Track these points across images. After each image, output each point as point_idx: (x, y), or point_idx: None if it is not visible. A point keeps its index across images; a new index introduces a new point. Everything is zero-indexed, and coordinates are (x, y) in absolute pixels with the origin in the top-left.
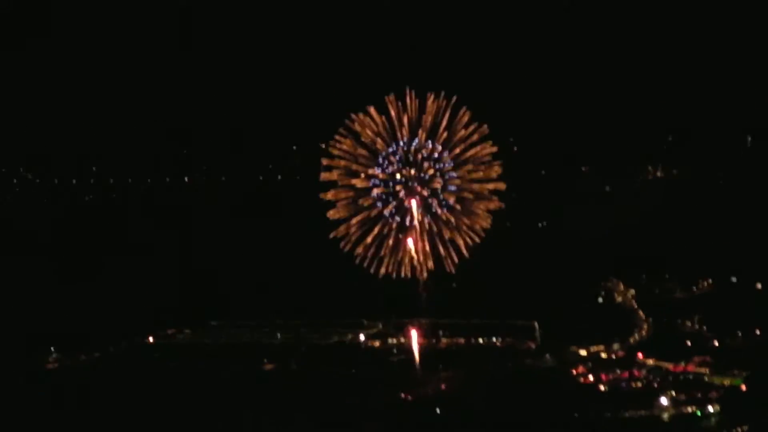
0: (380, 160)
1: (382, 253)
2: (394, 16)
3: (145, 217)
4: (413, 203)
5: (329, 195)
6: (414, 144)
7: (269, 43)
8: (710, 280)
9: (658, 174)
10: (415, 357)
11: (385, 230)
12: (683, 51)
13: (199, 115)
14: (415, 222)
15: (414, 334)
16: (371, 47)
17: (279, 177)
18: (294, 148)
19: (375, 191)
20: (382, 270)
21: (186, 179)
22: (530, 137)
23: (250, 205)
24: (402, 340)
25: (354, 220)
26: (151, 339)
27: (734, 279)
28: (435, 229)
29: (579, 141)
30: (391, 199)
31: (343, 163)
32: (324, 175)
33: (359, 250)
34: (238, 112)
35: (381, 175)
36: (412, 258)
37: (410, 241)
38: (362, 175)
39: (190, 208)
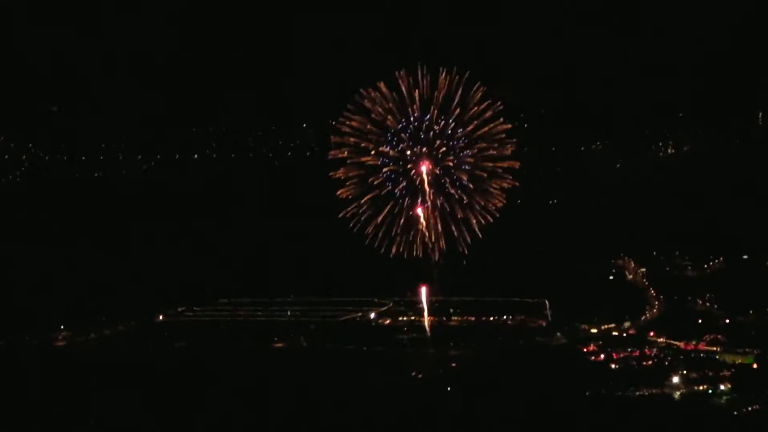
0: (390, 137)
1: (393, 232)
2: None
3: (155, 197)
4: (423, 169)
5: (339, 173)
6: (425, 120)
7: (278, 19)
8: (721, 258)
9: (670, 151)
10: (426, 335)
11: (396, 209)
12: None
13: (203, 94)
14: (426, 188)
15: (424, 291)
16: (382, 22)
17: (289, 154)
18: (303, 125)
19: (385, 169)
20: (393, 250)
21: (196, 156)
22: (541, 115)
23: (260, 184)
24: (413, 317)
25: (364, 199)
26: (161, 317)
27: (745, 257)
28: (447, 208)
29: (591, 118)
30: (401, 178)
31: (352, 140)
32: (333, 153)
33: (369, 229)
34: (246, 92)
35: (392, 153)
36: (423, 232)
37: (420, 211)
38: (372, 153)
39: (198, 188)
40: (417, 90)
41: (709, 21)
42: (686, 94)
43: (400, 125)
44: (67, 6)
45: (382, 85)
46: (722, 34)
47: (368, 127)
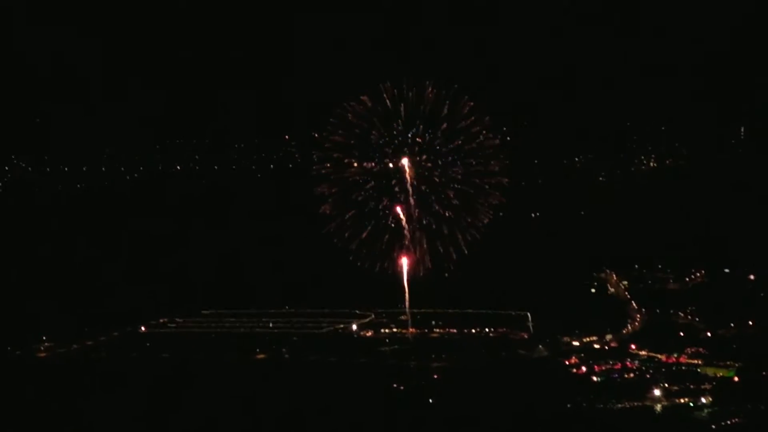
0: (373, 152)
1: (377, 249)
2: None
3: (135, 208)
4: (405, 162)
5: (322, 189)
6: (409, 135)
7: (259, 32)
8: (703, 272)
9: (652, 165)
10: (407, 347)
11: (380, 224)
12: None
13: (185, 103)
14: (407, 178)
15: (405, 261)
16: (368, 35)
17: (271, 167)
18: (286, 137)
19: (368, 186)
20: (377, 266)
21: (178, 167)
22: (523, 130)
23: (244, 197)
24: (394, 329)
25: (347, 215)
26: (143, 328)
27: (727, 270)
28: (434, 226)
29: (574, 134)
30: (384, 196)
31: (335, 155)
32: (316, 168)
33: (353, 246)
34: (228, 105)
35: (375, 168)
36: (403, 227)
37: (399, 209)
38: (355, 165)
39: (182, 199)
40: (403, 103)
41: (683, 42)
42: (668, 109)
43: (382, 141)
44: None
45: (365, 98)
46: (699, 53)
47: (351, 141)
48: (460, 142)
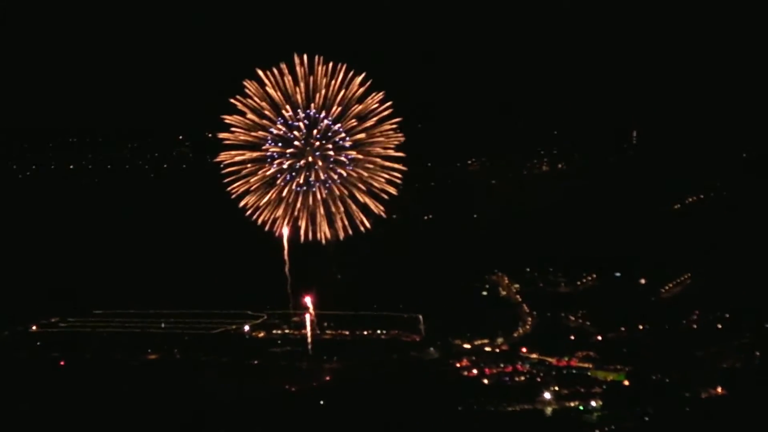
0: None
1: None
2: None
3: (28, 203)
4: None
5: (221, 156)
6: (299, 117)
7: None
8: (594, 275)
9: (545, 168)
10: (299, 348)
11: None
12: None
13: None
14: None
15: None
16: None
17: (165, 166)
18: (180, 137)
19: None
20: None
21: (70, 165)
22: (419, 131)
23: (134, 191)
24: (287, 330)
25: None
26: (34, 327)
27: (618, 274)
28: (330, 201)
29: (466, 134)
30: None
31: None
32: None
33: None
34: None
35: (276, 129)
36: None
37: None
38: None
39: (73, 191)
40: (297, 87)
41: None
42: (562, 112)
43: (279, 119)
44: None
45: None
46: (603, 59)
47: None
48: (354, 123)
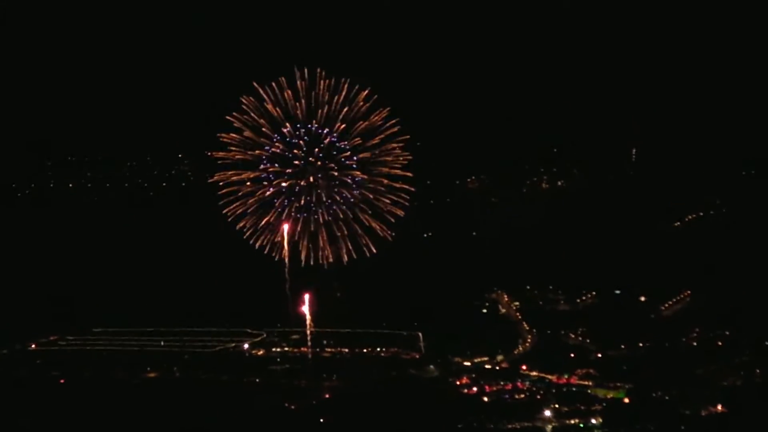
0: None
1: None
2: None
3: (28, 222)
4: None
5: (217, 177)
6: (300, 131)
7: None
8: (594, 293)
9: (545, 186)
10: (299, 366)
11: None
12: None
13: (68, 105)
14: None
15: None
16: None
17: (164, 184)
18: (179, 156)
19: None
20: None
21: (69, 183)
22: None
23: (134, 208)
24: (286, 348)
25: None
26: (33, 346)
27: (618, 291)
28: (333, 226)
29: (467, 152)
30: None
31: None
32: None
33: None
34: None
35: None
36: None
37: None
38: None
39: (72, 209)
40: (298, 102)
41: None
42: (562, 130)
43: (276, 136)
44: None
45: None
46: (603, 77)
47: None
48: (359, 141)
